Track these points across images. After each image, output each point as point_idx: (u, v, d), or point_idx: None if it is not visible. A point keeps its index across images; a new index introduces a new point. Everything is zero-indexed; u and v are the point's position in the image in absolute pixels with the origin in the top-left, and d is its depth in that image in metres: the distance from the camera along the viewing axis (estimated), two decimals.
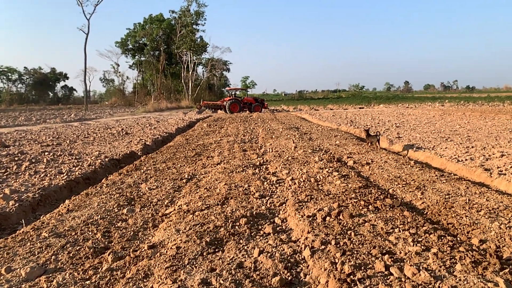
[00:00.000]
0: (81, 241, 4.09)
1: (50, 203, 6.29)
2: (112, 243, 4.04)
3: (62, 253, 3.77)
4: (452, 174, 7.11)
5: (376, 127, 15.78)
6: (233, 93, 34.55)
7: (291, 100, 71.21)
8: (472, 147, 9.74)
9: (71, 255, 3.72)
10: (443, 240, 3.60)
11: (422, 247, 3.44)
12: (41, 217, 5.29)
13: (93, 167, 8.56)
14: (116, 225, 4.62)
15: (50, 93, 70.48)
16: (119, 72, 68.08)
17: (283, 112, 32.82)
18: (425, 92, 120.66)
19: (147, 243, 3.95)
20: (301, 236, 3.90)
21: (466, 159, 8.23)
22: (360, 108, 36.73)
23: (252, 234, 4.06)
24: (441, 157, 8.71)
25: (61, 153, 10.56)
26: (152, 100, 52.25)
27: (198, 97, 60.62)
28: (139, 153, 11.01)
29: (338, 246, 3.51)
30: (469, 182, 6.28)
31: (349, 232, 3.87)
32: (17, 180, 7.25)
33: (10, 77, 63.96)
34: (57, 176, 7.53)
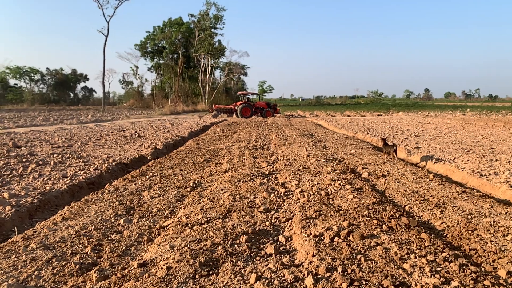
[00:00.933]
0: (68, 255, 3.82)
1: (49, 209, 6.07)
2: (101, 259, 3.75)
3: (46, 269, 3.50)
4: (474, 190, 6.62)
5: (394, 136, 15.24)
6: (246, 97, 34.10)
7: (308, 105, 70.67)
8: (496, 160, 9.18)
9: (55, 271, 3.44)
10: (465, 271, 3.19)
11: (441, 278, 3.04)
12: (36, 224, 5.06)
13: (99, 171, 8.35)
14: (109, 238, 4.34)
15: (70, 93, 71.68)
16: (138, 75, 68.89)
17: (299, 118, 32.28)
18: (446, 100, 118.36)
19: (138, 260, 3.65)
20: (305, 259, 3.54)
21: (489, 174, 7.71)
22: (378, 115, 36.00)
23: (252, 254, 3.71)
24: (462, 170, 8.20)
25: (70, 155, 10.42)
26: (169, 102, 52.48)
27: (215, 101, 60.70)
28: (148, 157, 10.79)
29: (345, 274, 3.14)
30: (493, 200, 5.79)
31: (358, 256, 3.49)
32: (20, 183, 7.07)
33: (32, 77, 65.30)
34: (61, 180, 7.33)
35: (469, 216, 4.89)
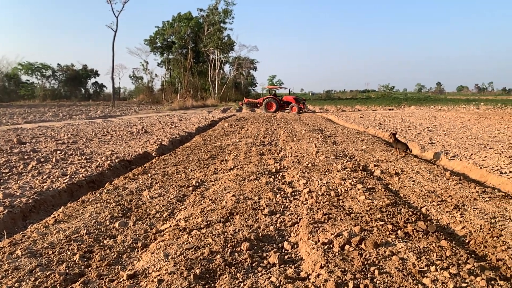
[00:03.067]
0: (54, 263, 3.51)
1: (45, 210, 5.81)
2: (89, 268, 3.44)
3: (28, 280, 3.20)
4: (495, 190, 6.18)
5: (406, 131, 14.74)
6: (273, 91, 32.81)
7: (318, 100, 69.87)
8: None
9: (37, 283, 3.14)
10: (494, 287, 2.80)
11: None
12: (29, 227, 4.78)
13: (100, 169, 8.09)
14: (101, 243, 4.03)
15: (81, 89, 71.99)
16: (148, 70, 68.73)
17: (308, 112, 31.56)
18: (458, 93, 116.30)
19: (129, 270, 3.33)
20: (313, 271, 3.18)
21: (510, 171, 7.24)
22: (389, 109, 35.30)
23: (254, 265, 3.36)
24: (480, 167, 7.74)
25: (73, 152, 10.19)
26: (178, 98, 52.30)
27: (224, 96, 60.33)
28: (153, 154, 10.51)
29: None
30: None
31: (372, 269, 3.12)
32: (18, 182, 6.82)
33: (44, 73, 65.62)
34: (60, 179, 7.07)
35: (492, 220, 4.48)
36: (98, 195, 5.96)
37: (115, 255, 3.73)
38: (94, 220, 4.72)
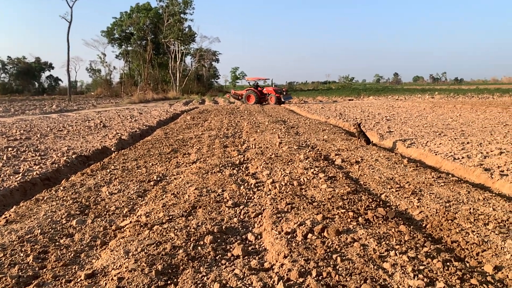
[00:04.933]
0: (6, 266, 3.32)
1: None
2: (44, 269, 3.28)
3: None
4: (449, 175, 6.46)
5: (366, 120, 15.12)
6: (254, 83, 31.92)
7: None
8: (468, 143, 9.12)
9: None
10: (449, 268, 2.92)
11: (425, 279, 2.75)
12: None
13: (56, 165, 7.73)
14: (57, 243, 3.85)
15: (35, 83, 68.58)
16: (106, 62, 66.34)
17: (289, 103, 31.03)
18: (415, 84, 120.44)
19: (87, 270, 3.20)
20: (276, 261, 3.18)
21: (462, 157, 7.60)
22: (349, 100, 36.09)
23: (217, 258, 3.32)
24: (436, 154, 8.07)
25: (26, 148, 9.69)
26: (138, 91, 50.99)
27: (186, 88, 59.43)
28: (112, 149, 10.18)
29: (320, 278, 2.81)
30: (469, 185, 5.61)
31: (334, 256, 3.16)
32: None
33: None
34: (11, 177, 6.69)
35: (447, 204, 4.67)
36: (53, 192, 5.69)
37: (72, 255, 3.57)
38: (50, 219, 4.50)
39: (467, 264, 3.11)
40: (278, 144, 9.32)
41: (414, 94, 41.25)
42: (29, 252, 3.61)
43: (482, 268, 3.08)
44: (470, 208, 4.45)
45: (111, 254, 3.42)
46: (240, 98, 31.13)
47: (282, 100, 29.07)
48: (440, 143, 9.18)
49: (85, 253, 3.63)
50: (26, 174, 6.96)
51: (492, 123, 13.34)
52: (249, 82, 32.62)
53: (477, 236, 3.65)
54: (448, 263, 3.01)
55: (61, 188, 5.95)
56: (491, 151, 7.90)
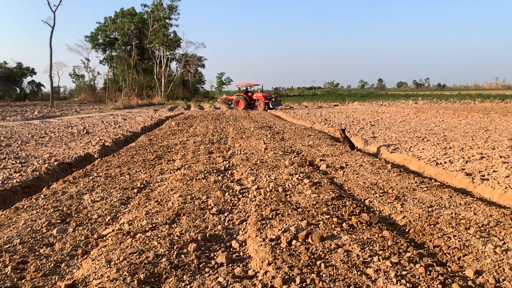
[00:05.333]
0: None
1: None
2: (23, 280, 3.19)
3: None
4: (432, 180, 6.54)
5: (350, 126, 15.25)
6: (244, 88, 31.80)
7: None
8: (450, 148, 9.27)
9: None
10: (431, 273, 2.94)
11: (408, 284, 2.77)
12: None
13: (37, 173, 7.58)
14: (37, 252, 3.76)
15: (16, 88, 67.36)
16: (90, 68, 65.57)
17: (277, 109, 30.85)
18: (398, 89, 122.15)
19: (67, 280, 3.13)
20: (260, 268, 3.17)
21: (445, 162, 7.71)
22: (334, 105, 36.40)
23: (201, 266, 3.29)
24: (419, 159, 8.17)
25: (6, 156, 9.48)
26: (122, 96, 50.50)
27: (172, 94, 59.09)
28: (95, 156, 10.04)
29: (304, 285, 2.80)
30: (451, 190, 5.70)
31: (318, 262, 3.16)
32: None
33: None
34: None
35: (429, 209, 4.72)
36: (34, 201, 5.58)
37: (52, 265, 3.49)
38: (29, 228, 4.40)
39: (449, 269, 3.15)
40: (263, 150, 9.33)
41: (398, 100, 41.83)
42: (7, 262, 3.51)
43: (463, 272, 3.12)
44: (452, 213, 4.51)
45: (93, 264, 3.36)
46: (230, 103, 31.16)
47: (271, 106, 29.04)
48: (423, 148, 9.31)
49: (65, 263, 3.55)
50: (5, 182, 6.81)
51: (473, 128, 13.60)
52: (239, 88, 32.61)
53: (459, 241, 3.70)
54: (430, 268, 3.04)
55: (42, 196, 5.83)
56: (473, 156, 8.04)
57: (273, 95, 31.29)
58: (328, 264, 3.14)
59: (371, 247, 3.46)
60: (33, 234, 4.24)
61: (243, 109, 29.04)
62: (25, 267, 3.46)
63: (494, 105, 30.16)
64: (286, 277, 2.90)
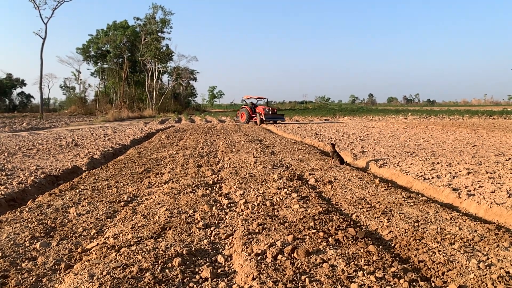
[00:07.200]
0: None
1: None
2: None
3: None
4: (419, 195, 6.59)
5: (340, 140, 15.36)
6: (249, 101, 32.12)
7: None
8: (438, 163, 9.37)
9: None
10: None
11: None
12: None
13: (23, 185, 7.48)
14: (18, 267, 3.69)
15: (6, 100, 66.85)
16: (80, 80, 65.38)
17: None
18: (389, 104, 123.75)
19: None
20: (245, 283, 3.14)
21: (432, 177, 7.78)
22: (325, 120, 36.66)
23: (185, 280, 3.26)
24: (406, 174, 8.24)
25: None
26: (113, 109, 50.31)
27: (163, 107, 59.09)
28: (83, 168, 9.94)
29: None
30: (438, 205, 5.74)
31: (303, 277, 3.15)
32: None
33: None
34: None
35: (415, 224, 4.75)
36: (18, 214, 5.49)
37: (33, 279, 3.43)
38: (12, 242, 4.33)
39: (433, 284, 3.16)
40: (253, 163, 9.33)
41: (388, 115, 42.26)
42: None
43: (447, 287, 3.13)
44: (437, 228, 4.55)
45: (75, 278, 3.30)
46: (237, 116, 32.69)
47: (263, 119, 29.07)
48: (412, 163, 9.39)
49: (47, 277, 3.49)
50: None
51: (461, 143, 13.79)
52: (245, 101, 33.05)
53: (443, 256, 3.72)
54: (414, 283, 3.04)
55: (27, 209, 5.75)
56: (460, 171, 8.12)
57: (274, 109, 31.16)
58: (312, 279, 3.14)
59: (356, 262, 3.46)
60: (16, 248, 4.17)
61: (244, 122, 30.06)
62: (6, 281, 3.39)
63: (482, 121, 30.67)
64: None
